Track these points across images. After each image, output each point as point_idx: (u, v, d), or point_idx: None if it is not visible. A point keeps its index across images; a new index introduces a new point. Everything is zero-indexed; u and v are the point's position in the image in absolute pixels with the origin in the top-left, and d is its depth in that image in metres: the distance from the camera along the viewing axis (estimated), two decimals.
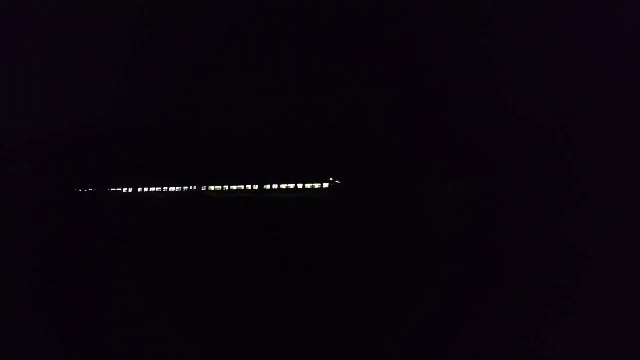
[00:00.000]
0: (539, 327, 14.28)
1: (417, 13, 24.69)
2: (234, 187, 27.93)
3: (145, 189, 29.31)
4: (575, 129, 24.46)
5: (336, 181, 26.38)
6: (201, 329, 14.25)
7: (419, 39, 25.08)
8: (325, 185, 26.16)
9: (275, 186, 26.99)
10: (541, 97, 24.72)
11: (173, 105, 26.71)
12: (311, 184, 26.24)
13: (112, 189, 28.16)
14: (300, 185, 26.43)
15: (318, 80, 26.18)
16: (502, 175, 25.00)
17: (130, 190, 28.43)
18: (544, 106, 24.64)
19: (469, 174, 25.92)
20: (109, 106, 26.69)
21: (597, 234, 21.37)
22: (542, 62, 24.81)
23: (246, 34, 26.52)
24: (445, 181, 25.98)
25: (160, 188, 28.67)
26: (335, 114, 26.12)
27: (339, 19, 25.73)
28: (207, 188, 28.57)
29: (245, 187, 27.38)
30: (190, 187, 28.58)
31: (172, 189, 28.47)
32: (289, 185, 26.60)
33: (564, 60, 24.79)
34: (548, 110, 25.09)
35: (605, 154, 24.02)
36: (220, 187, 27.94)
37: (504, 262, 19.36)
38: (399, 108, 26.24)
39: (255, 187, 27.43)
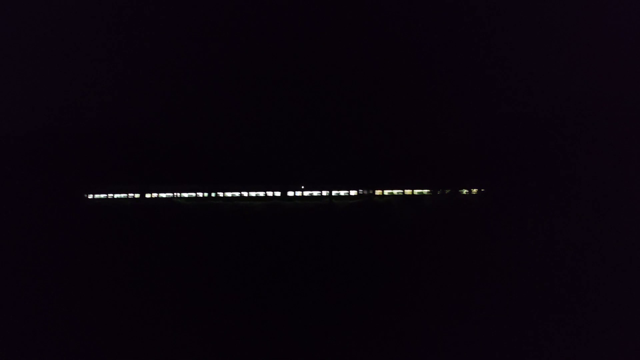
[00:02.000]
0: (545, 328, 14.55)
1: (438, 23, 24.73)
2: (206, 195, 27.72)
3: (117, 196, 28.85)
4: (576, 129, 24.76)
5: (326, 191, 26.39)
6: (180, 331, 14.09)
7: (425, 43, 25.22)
8: (299, 193, 26.20)
9: (238, 194, 26.90)
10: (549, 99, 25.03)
11: (148, 112, 26.37)
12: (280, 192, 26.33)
13: (83, 196, 27.46)
14: (270, 193, 26.35)
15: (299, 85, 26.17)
16: (507, 178, 25.07)
17: (100, 196, 28.07)
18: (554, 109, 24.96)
19: (474, 178, 25.85)
20: (81, 112, 26.11)
21: (598, 235, 22.00)
22: (547, 63, 25.25)
23: (228, 39, 26.31)
24: (450, 186, 25.96)
25: (133, 195, 28.22)
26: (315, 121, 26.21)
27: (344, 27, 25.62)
28: (178, 195, 28.30)
29: (217, 194, 27.26)
30: (162, 194, 28.27)
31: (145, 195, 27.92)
32: (258, 193, 26.50)
33: (567, 61, 25.18)
34: (558, 114, 25.41)
35: (606, 154, 24.24)
36: (192, 194, 27.69)
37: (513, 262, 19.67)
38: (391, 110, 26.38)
39: (229, 194, 27.32)
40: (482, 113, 25.91)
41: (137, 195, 28.58)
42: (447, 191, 26.44)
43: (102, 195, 27.69)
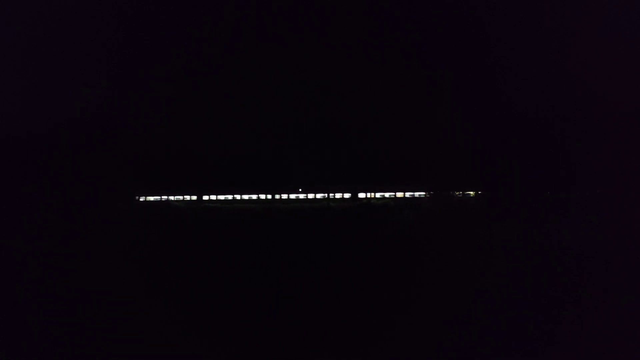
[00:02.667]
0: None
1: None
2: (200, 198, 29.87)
3: (172, 198, 32.14)
4: (576, 131, 22.24)
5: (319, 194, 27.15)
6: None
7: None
8: (301, 196, 26.96)
9: (238, 197, 28.34)
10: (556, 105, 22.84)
11: (144, 117, 29.57)
12: (283, 195, 27.24)
13: (82, 199, 30.13)
14: (269, 196, 27.41)
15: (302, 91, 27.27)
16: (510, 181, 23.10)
17: (97, 200, 30.54)
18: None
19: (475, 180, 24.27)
20: (73, 116, 29.46)
21: (597, 236, 19.53)
22: (547, 65, 23.00)
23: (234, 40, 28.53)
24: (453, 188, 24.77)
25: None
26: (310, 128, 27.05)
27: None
28: (173, 199, 30.72)
29: (210, 197, 29.26)
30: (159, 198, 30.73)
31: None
32: (251, 196, 27.77)
33: (567, 63, 22.68)
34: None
35: (606, 155, 21.44)
36: (187, 197, 29.86)
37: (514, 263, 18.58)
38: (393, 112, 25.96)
39: (223, 197, 29.23)
40: (481, 116, 24.00)
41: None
42: (446, 193, 24.88)
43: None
